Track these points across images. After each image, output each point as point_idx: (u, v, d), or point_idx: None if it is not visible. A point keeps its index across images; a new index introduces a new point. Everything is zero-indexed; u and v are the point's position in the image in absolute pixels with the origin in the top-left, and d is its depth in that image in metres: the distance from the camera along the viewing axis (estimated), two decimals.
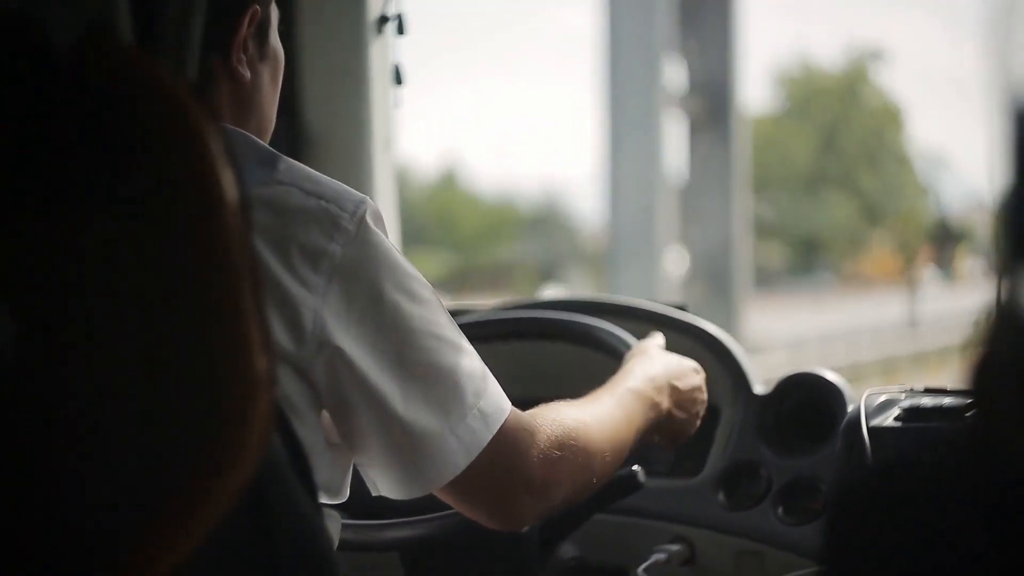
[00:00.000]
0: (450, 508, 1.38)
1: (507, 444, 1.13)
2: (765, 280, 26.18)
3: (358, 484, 1.53)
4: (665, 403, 1.39)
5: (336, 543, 1.17)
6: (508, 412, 1.14)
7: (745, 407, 1.81)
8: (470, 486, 1.13)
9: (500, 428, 1.12)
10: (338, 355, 1.06)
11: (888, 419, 1.54)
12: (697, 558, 1.74)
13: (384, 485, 1.15)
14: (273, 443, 0.79)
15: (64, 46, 0.59)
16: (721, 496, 1.75)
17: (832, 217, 28.51)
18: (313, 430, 1.10)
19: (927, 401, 1.54)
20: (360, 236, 1.07)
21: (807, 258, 29.31)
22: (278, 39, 1.22)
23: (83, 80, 0.58)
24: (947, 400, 1.53)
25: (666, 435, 1.44)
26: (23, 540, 0.57)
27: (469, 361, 1.12)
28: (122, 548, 0.56)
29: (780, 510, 1.70)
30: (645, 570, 1.67)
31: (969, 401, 0.62)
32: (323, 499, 1.14)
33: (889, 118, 30.02)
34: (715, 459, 1.79)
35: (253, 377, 0.58)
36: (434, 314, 1.11)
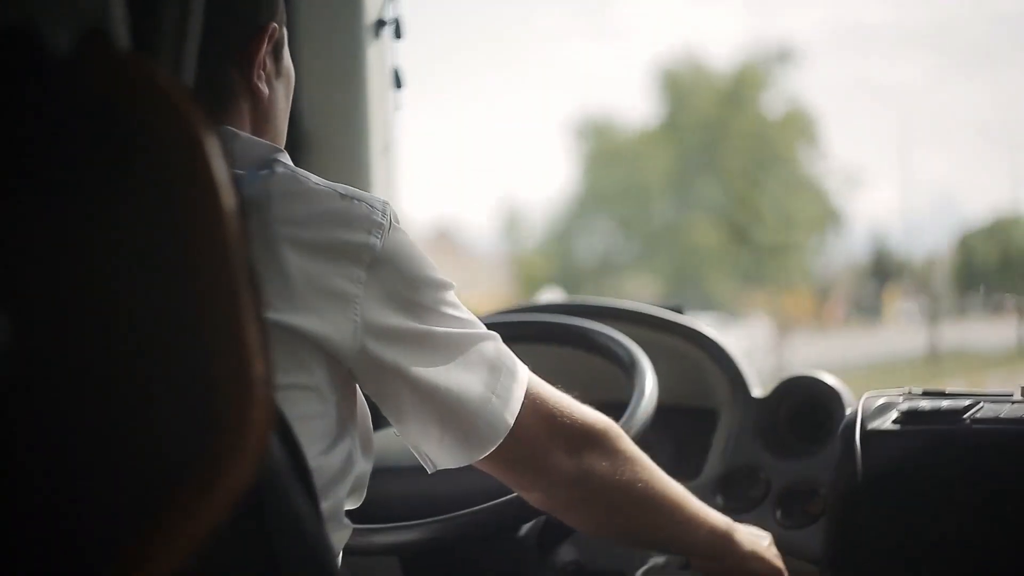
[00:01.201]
0: (450, 512, 1.38)
1: (537, 400, 1.22)
2: None
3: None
4: (732, 545, 1.43)
5: (341, 548, 1.19)
6: (527, 372, 1.23)
7: (743, 410, 1.81)
8: (514, 446, 1.20)
9: (528, 385, 1.22)
10: (381, 339, 1.13)
11: (886, 422, 1.54)
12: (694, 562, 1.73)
13: (440, 457, 1.21)
14: (273, 449, 0.79)
15: (61, 51, 0.59)
16: (719, 499, 1.75)
17: (699, 247, 23.52)
18: (344, 422, 1.15)
19: (925, 404, 1.54)
20: (392, 229, 1.14)
21: (683, 293, 22.46)
22: (290, 57, 1.27)
23: (80, 85, 0.58)
24: (945, 403, 1.53)
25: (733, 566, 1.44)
26: (19, 544, 0.57)
27: (483, 330, 1.21)
28: (119, 553, 0.56)
29: (778, 513, 1.70)
30: (643, 574, 1.67)
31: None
32: (351, 503, 1.21)
33: (792, 131, 24.54)
34: (713, 462, 1.79)
35: (251, 381, 0.58)
36: (452, 295, 1.19)
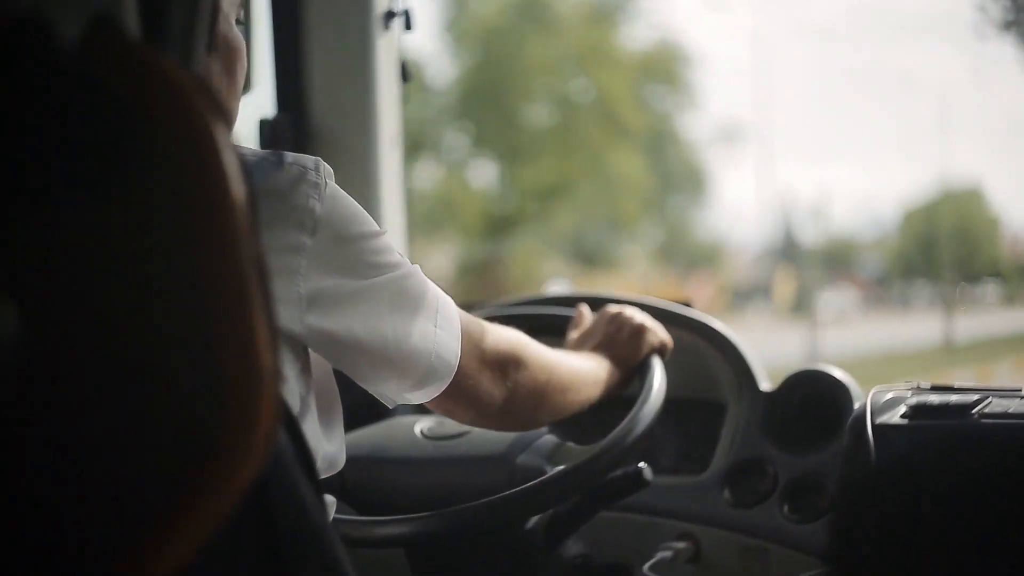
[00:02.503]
0: (455, 504, 1.38)
1: (468, 331, 1.25)
2: None
3: (362, 482, 1.53)
4: (601, 334, 1.56)
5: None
6: (455, 305, 1.26)
7: (751, 404, 1.81)
8: (464, 376, 1.24)
9: (461, 316, 1.25)
10: (325, 306, 1.11)
11: (895, 416, 1.54)
12: (703, 555, 1.73)
13: (401, 397, 1.23)
14: (280, 442, 0.79)
15: (69, 41, 0.59)
16: (727, 493, 1.75)
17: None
18: (305, 400, 1.14)
19: (934, 399, 1.54)
20: (328, 189, 1.12)
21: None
22: (233, 29, 1.21)
23: (89, 74, 0.58)
24: (954, 398, 1.53)
25: (622, 355, 1.55)
26: (28, 540, 0.57)
27: (408, 264, 1.21)
28: (129, 547, 0.56)
29: (786, 507, 1.70)
30: (651, 567, 1.67)
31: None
32: (328, 471, 1.21)
33: (647, 70, 18.79)
34: (721, 456, 1.79)
35: (260, 373, 0.58)
36: (385, 240, 1.18)
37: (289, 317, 1.09)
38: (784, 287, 23.32)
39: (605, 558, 1.72)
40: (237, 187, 0.57)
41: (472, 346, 1.25)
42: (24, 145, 0.57)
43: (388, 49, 1.99)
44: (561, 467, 1.42)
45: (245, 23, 1.26)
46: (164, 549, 0.56)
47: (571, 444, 1.53)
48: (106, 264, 0.57)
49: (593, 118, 18.39)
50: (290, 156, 1.11)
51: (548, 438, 1.54)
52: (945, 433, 1.50)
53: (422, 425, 1.63)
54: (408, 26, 1.99)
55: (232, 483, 0.57)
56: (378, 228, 1.17)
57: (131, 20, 0.62)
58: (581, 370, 1.45)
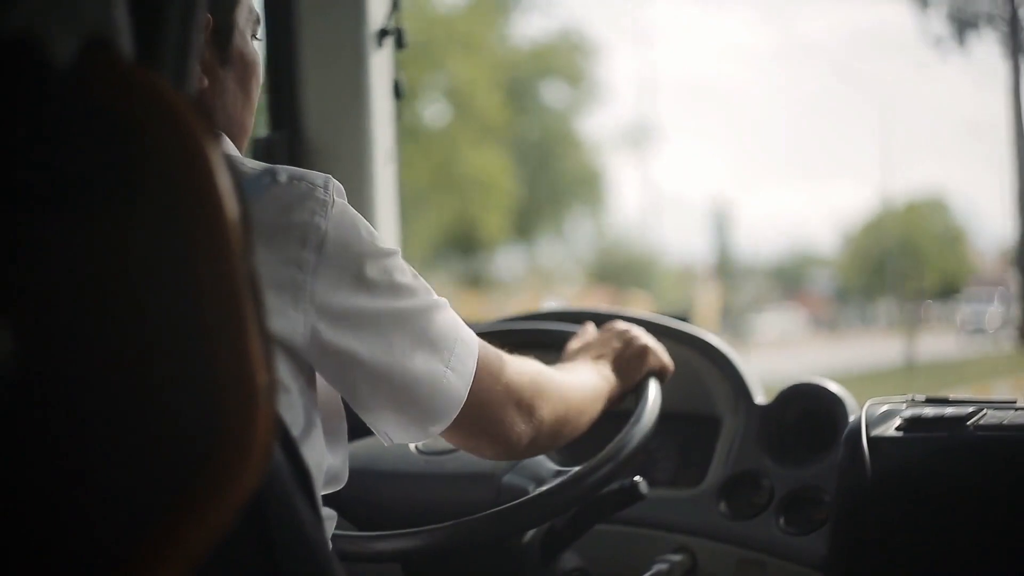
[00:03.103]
0: (451, 520, 1.38)
1: (489, 368, 1.22)
2: None
3: (360, 496, 1.53)
4: (607, 350, 1.55)
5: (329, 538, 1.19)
6: (478, 341, 1.22)
7: (746, 417, 1.81)
8: (472, 415, 1.20)
9: (479, 354, 1.21)
10: (333, 324, 1.09)
11: (889, 429, 1.55)
12: (699, 568, 1.73)
13: (398, 435, 1.20)
14: (275, 458, 0.79)
15: (63, 60, 0.59)
16: (723, 506, 1.75)
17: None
18: (309, 414, 1.13)
19: (929, 411, 1.54)
20: (336, 207, 1.11)
21: None
22: (249, 44, 1.22)
23: (82, 95, 0.59)
24: (949, 410, 1.53)
25: (623, 372, 1.54)
26: (25, 553, 0.57)
27: (435, 298, 1.18)
28: (123, 563, 0.56)
29: (782, 520, 1.70)
30: None
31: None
32: (330, 488, 1.20)
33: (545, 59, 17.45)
34: (717, 469, 1.79)
35: (254, 390, 0.58)
36: (398, 260, 1.16)
37: (294, 332, 1.08)
38: (707, 306, 22.56)
39: (601, 571, 1.72)
40: (231, 206, 0.58)
41: (494, 382, 1.22)
42: (16, 164, 0.57)
43: (381, 67, 1.99)
44: (555, 482, 1.42)
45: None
46: (160, 566, 0.56)
47: (557, 466, 1.53)
48: (99, 282, 0.58)
49: (451, 116, 17.08)
50: (298, 172, 1.11)
51: (535, 458, 1.54)
52: (940, 445, 1.50)
53: None
54: (400, 44, 2.00)
55: (228, 499, 0.57)
56: (391, 248, 1.15)
57: (124, 40, 0.63)
58: (593, 389, 1.44)
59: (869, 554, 1.52)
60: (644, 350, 1.56)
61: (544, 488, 1.43)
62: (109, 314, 0.58)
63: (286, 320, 1.07)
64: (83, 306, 0.57)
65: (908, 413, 1.55)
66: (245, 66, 1.22)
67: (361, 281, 1.11)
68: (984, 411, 1.52)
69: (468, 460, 1.54)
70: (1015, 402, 1.56)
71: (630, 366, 1.54)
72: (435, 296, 1.18)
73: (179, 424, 0.58)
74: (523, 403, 1.26)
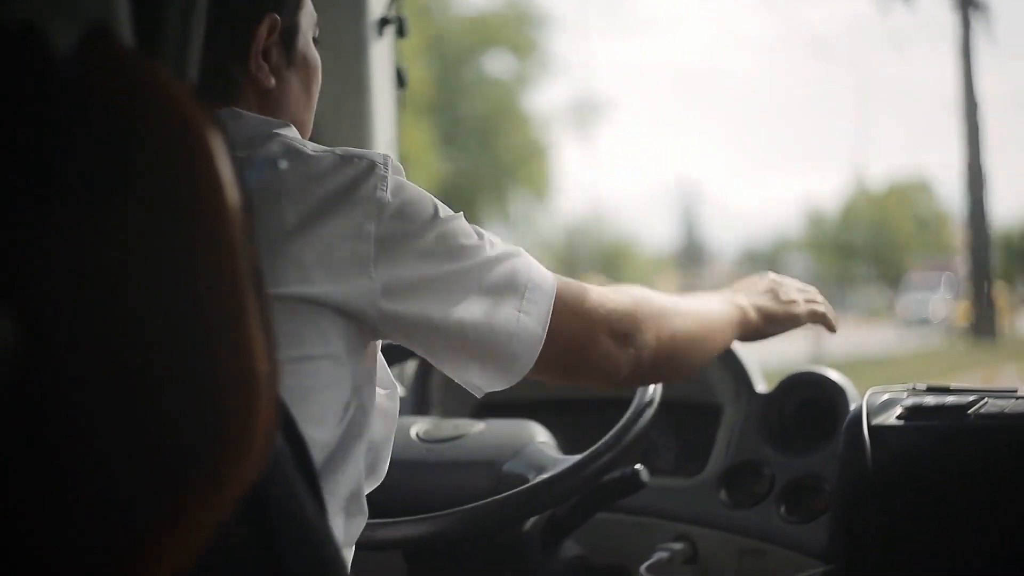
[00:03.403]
0: (452, 507, 1.39)
1: (569, 303, 1.24)
2: None
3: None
4: (750, 288, 1.55)
5: (357, 536, 1.22)
6: (554, 277, 1.24)
7: (747, 406, 1.81)
8: (558, 351, 1.23)
9: (557, 292, 1.23)
10: (401, 294, 1.14)
11: (890, 417, 1.55)
12: (700, 556, 1.74)
13: (485, 383, 1.22)
14: (277, 445, 0.79)
15: (63, 49, 0.59)
16: (724, 495, 1.76)
17: None
18: (360, 386, 1.16)
19: (930, 400, 1.54)
20: (397, 181, 1.15)
21: None
22: (311, 46, 1.28)
23: (82, 84, 0.59)
24: (950, 399, 1.53)
25: (772, 308, 1.54)
26: (24, 544, 0.57)
27: (501, 250, 1.21)
28: (123, 553, 0.57)
29: (782, 508, 1.71)
30: (648, 568, 1.67)
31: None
32: (369, 484, 1.23)
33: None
34: (717, 458, 1.79)
35: (256, 379, 0.58)
36: (461, 223, 1.20)
37: (363, 303, 1.12)
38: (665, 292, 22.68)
39: (602, 559, 1.73)
40: (232, 195, 0.58)
41: (576, 316, 1.25)
42: (17, 155, 0.57)
43: (382, 56, 1.99)
44: (556, 470, 1.43)
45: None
46: (160, 556, 0.56)
47: (558, 454, 1.54)
48: (100, 273, 0.58)
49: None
50: (359, 152, 1.16)
51: (536, 446, 1.54)
52: (941, 434, 1.50)
53: (418, 428, 1.63)
54: (401, 33, 2.00)
55: (228, 488, 0.57)
56: (451, 212, 1.19)
57: (125, 30, 0.63)
58: (711, 315, 1.44)
59: (870, 543, 1.52)
60: (802, 294, 1.57)
61: (545, 476, 1.43)
62: (108, 303, 0.58)
63: (353, 290, 1.11)
64: (79, 294, 0.57)
65: (909, 402, 1.55)
66: (308, 68, 1.27)
67: (424, 250, 1.15)
68: (985, 400, 1.52)
69: (469, 448, 1.55)
70: (1016, 391, 1.56)
71: (783, 304, 1.54)
72: (503, 247, 1.22)
73: (178, 414, 0.58)
74: (617, 331, 1.28)
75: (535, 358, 1.21)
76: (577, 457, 1.43)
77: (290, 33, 1.24)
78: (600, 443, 1.43)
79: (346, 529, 1.18)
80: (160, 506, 0.57)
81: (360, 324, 1.13)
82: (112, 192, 0.57)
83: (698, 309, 1.41)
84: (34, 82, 0.58)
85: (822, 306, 1.59)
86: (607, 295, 1.29)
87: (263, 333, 0.59)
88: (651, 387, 1.51)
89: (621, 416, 1.46)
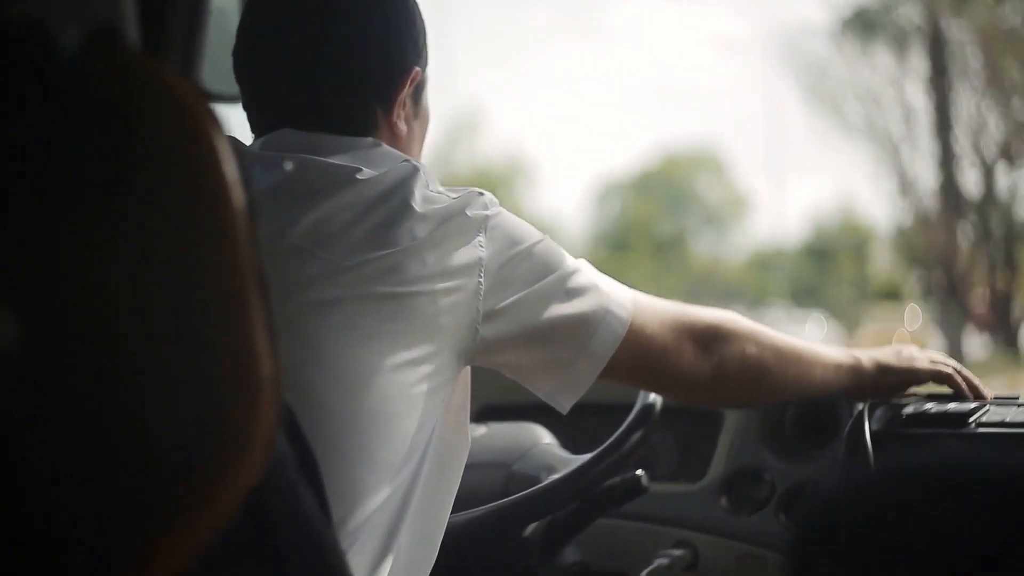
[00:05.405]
0: (462, 509, 1.38)
1: (654, 309, 1.32)
2: None
3: None
4: (873, 352, 1.56)
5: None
6: (631, 293, 1.33)
7: (748, 412, 1.81)
8: (647, 358, 1.31)
9: (635, 296, 1.32)
10: (500, 313, 1.22)
11: (892, 425, 1.54)
12: (700, 563, 1.73)
13: (572, 387, 1.29)
14: (281, 447, 0.79)
15: (69, 49, 0.59)
16: (724, 501, 1.75)
17: None
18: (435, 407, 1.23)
19: (931, 407, 1.54)
20: (500, 216, 1.25)
21: None
22: (427, 98, 1.35)
23: (88, 84, 0.59)
24: (951, 406, 1.53)
25: (891, 362, 1.55)
26: (24, 546, 0.57)
27: (581, 263, 1.31)
28: (123, 555, 0.56)
29: (783, 515, 1.70)
30: (648, 575, 1.67)
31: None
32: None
33: None
34: (718, 464, 1.79)
35: (258, 381, 0.58)
36: (553, 247, 1.29)
37: (463, 334, 1.21)
38: None
39: (602, 565, 1.72)
40: (237, 195, 0.58)
41: (664, 323, 1.31)
42: (22, 154, 0.57)
43: None
44: (556, 476, 1.43)
45: None
46: (161, 557, 0.56)
47: (566, 454, 1.53)
48: (102, 273, 0.57)
49: None
50: (463, 189, 1.25)
51: (544, 447, 1.54)
52: (942, 441, 1.50)
53: None
54: None
55: (230, 490, 0.57)
56: (541, 235, 1.28)
57: (131, 30, 0.62)
58: (814, 352, 1.47)
59: (866, 551, 1.51)
60: (917, 355, 1.57)
61: (545, 483, 1.43)
62: (109, 303, 0.57)
63: (460, 325, 1.20)
64: (83, 294, 0.57)
65: (910, 409, 1.54)
66: (425, 120, 1.36)
67: (523, 273, 1.24)
68: (987, 408, 1.52)
69: (478, 449, 1.55)
70: (1018, 398, 1.56)
71: (898, 359, 1.55)
72: (576, 260, 1.31)
73: (180, 414, 0.58)
74: (701, 341, 1.34)
75: (618, 342, 1.27)
76: (584, 458, 1.43)
77: (421, 86, 1.32)
78: (601, 449, 1.42)
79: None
80: (159, 508, 0.57)
81: (457, 355, 1.22)
82: (116, 191, 0.57)
83: (798, 343, 1.46)
84: (40, 81, 0.58)
85: (948, 367, 1.58)
86: (691, 308, 1.36)
87: (266, 336, 0.58)
88: (652, 393, 1.50)
89: (622, 422, 1.46)
